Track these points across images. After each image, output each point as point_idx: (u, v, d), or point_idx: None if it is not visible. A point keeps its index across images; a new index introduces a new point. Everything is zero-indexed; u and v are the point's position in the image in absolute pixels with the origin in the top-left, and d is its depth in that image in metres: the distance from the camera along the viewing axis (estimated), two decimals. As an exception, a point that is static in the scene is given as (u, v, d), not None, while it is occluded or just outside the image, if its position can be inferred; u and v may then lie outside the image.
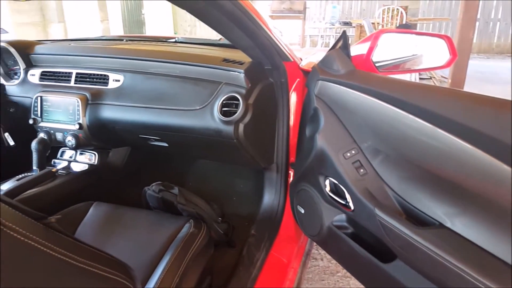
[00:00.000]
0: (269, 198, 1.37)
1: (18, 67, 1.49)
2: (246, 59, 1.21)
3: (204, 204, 1.28)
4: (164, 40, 1.83)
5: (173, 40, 1.80)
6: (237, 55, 1.27)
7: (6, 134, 1.46)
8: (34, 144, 1.35)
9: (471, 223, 0.70)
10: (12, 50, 1.46)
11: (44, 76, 1.44)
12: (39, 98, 1.39)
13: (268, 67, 1.22)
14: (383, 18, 6.34)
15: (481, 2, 5.00)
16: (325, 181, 1.04)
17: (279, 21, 7.20)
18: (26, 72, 1.47)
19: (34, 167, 1.36)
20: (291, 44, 1.26)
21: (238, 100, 1.13)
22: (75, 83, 1.38)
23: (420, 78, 5.62)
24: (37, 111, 1.40)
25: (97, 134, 1.37)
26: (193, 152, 1.58)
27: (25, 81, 1.46)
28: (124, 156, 1.58)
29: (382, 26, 6.28)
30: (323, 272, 1.82)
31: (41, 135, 1.40)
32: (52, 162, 1.51)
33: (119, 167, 1.56)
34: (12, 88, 1.49)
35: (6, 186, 1.23)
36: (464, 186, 0.72)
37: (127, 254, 0.91)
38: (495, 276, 0.64)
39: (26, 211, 0.50)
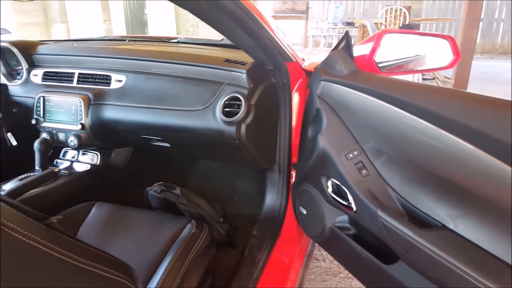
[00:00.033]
0: (271, 198, 1.37)
1: (20, 67, 1.49)
2: (248, 59, 1.21)
3: (206, 205, 1.28)
4: (166, 40, 1.83)
5: (175, 40, 1.80)
6: (239, 55, 1.26)
7: (9, 134, 1.46)
8: (36, 144, 1.36)
9: (474, 224, 0.70)
10: (15, 50, 1.46)
11: (46, 76, 1.45)
12: (41, 98, 1.39)
13: (270, 68, 1.22)
14: (386, 18, 6.33)
15: (484, 2, 4.98)
16: (327, 182, 1.03)
17: (282, 21, 7.20)
18: (28, 72, 1.47)
19: (37, 167, 1.36)
20: (293, 44, 1.26)
21: (240, 100, 1.13)
22: (77, 84, 1.39)
23: (423, 79, 5.60)
24: (39, 111, 1.40)
25: (99, 135, 1.37)
26: (195, 152, 1.58)
27: (27, 81, 1.47)
28: (126, 156, 1.59)
29: (385, 26, 6.27)
30: (325, 273, 1.81)
31: (44, 135, 1.40)
32: (55, 162, 1.51)
33: (121, 167, 1.57)
34: (15, 88, 1.49)
35: (9, 186, 1.23)
36: (466, 187, 0.72)
37: (129, 254, 0.91)
38: (498, 278, 0.64)
39: (27, 211, 0.50)
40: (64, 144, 1.41)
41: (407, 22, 6.09)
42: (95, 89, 1.35)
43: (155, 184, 1.26)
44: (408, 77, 4.22)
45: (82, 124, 1.33)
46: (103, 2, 5.43)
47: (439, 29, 8.93)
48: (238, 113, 1.12)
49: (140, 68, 1.32)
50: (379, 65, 1.13)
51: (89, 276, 0.55)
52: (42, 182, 1.22)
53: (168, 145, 1.37)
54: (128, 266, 0.68)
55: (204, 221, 1.14)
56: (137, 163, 1.64)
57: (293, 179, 1.33)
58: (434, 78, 5.70)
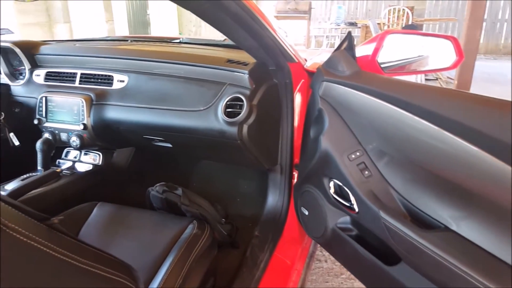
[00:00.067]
0: (273, 199, 1.36)
1: (23, 67, 1.49)
2: (251, 59, 1.21)
3: (207, 205, 1.28)
4: (168, 40, 1.83)
5: (178, 40, 1.80)
6: (242, 55, 1.26)
7: (11, 134, 1.47)
8: (38, 144, 1.36)
9: (477, 226, 0.70)
10: (18, 50, 1.47)
11: (49, 76, 1.45)
12: (44, 98, 1.40)
13: (272, 68, 1.22)
14: (389, 18, 6.32)
15: (488, 2, 4.97)
16: (329, 182, 1.03)
17: (284, 21, 7.20)
18: (31, 72, 1.48)
19: (39, 167, 1.36)
20: (296, 45, 1.25)
21: (242, 101, 1.12)
22: (79, 84, 1.39)
23: (426, 79, 5.59)
24: (42, 111, 1.40)
25: (101, 135, 1.37)
26: (197, 153, 1.58)
27: (30, 81, 1.47)
28: (128, 156, 1.59)
29: (388, 26, 6.26)
30: (327, 273, 1.81)
31: (46, 135, 1.41)
32: (57, 162, 1.51)
33: (123, 167, 1.57)
34: (17, 88, 1.49)
35: (11, 186, 1.23)
36: (469, 188, 0.72)
37: (131, 255, 0.91)
38: (500, 280, 0.63)
39: (28, 212, 0.50)
40: (66, 144, 1.41)
41: (410, 23, 6.09)
42: (97, 89, 1.35)
43: (157, 184, 1.26)
44: (411, 78, 4.22)
45: (84, 124, 1.33)
46: (105, 2, 5.45)
47: (442, 30, 8.91)
48: (240, 113, 1.12)
49: (142, 69, 1.33)
50: (382, 65, 1.13)
51: (90, 276, 0.55)
52: (44, 182, 1.22)
53: (170, 145, 1.37)
54: (129, 267, 0.68)
55: (206, 221, 1.14)
56: (139, 164, 1.64)
57: (295, 180, 1.33)
58: (437, 79, 5.69)
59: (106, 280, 0.57)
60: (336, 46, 1.13)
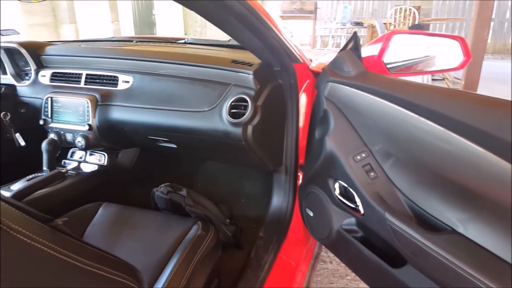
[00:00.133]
0: (278, 200, 1.36)
1: (29, 68, 1.50)
2: (255, 60, 1.20)
3: (212, 206, 1.28)
4: (173, 41, 1.83)
5: (182, 41, 1.80)
6: (246, 56, 1.26)
7: (17, 135, 1.47)
8: (44, 145, 1.37)
9: (484, 228, 0.69)
10: (23, 51, 1.47)
11: (54, 77, 1.46)
12: (49, 99, 1.40)
13: (277, 69, 1.21)
14: (395, 18, 6.29)
15: (495, 2, 4.93)
16: (334, 184, 1.03)
17: (290, 21, 7.19)
18: (37, 73, 1.48)
19: (44, 168, 1.37)
20: (301, 45, 1.25)
21: (246, 101, 1.12)
22: (85, 84, 1.39)
23: (433, 79, 5.55)
24: (47, 112, 1.41)
25: (106, 135, 1.38)
26: (202, 153, 1.58)
27: (36, 82, 1.48)
28: (133, 157, 1.59)
29: (394, 26, 6.23)
30: (332, 275, 1.80)
31: (51, 135, 1.41)
32: (62, 163, 1.52)
33: (128, 168, 1.57)
34: (23, 89, 1.50)
35: (17, 186, 1.24)
36: (476, 190, 0.71)
37: (135, 255, 0.92)
38: (508, 284, 0.62)
39: (32, 213, 0.50)
40: (72, 144, 1.42)
41: (416, 22, 6.05)
42: (102, 90, 1.35)
43: (162, 185, 1.26)
44: (418, 78, 4.19)
45: (89, 125, 1.34)
46: (111, 2, 5.47)
47: (449, 29, 8.85)
48: (244, 114, 1.12)
49: (147, 69, 1.33)
50: (388, 66, 1.12)
51: (94, 278, 0.55)
52: (50, 183, 1.23)
53: (175, 146, 1.37)
54: (133, 268, 0.68)
55: (210, 222, 1.14)
56: (144, 164, 1.64)
57: (300, 181, 1.32)
58: (444, 79, 5.65)
59: (110, 281, 0.57)
60: (342, 46, 1.12)
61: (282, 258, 1.22)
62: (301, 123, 1.28)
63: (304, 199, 1.22)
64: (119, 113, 1.31)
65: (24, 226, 0.45)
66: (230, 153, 1.30)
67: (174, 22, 8.27)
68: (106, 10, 5.41)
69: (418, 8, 6.23)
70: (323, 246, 1.57)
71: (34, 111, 1.48)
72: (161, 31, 7.84)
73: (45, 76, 1.47)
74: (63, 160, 1.53)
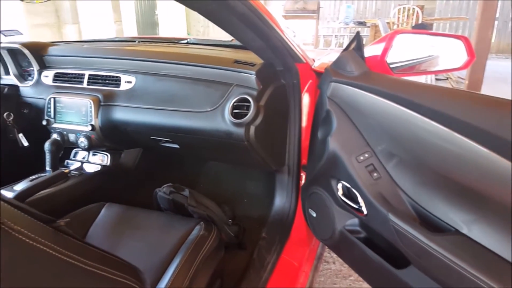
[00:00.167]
0: (281, 200, 1.36)
1: (32, 68, 1.51)
2: (258, 60, 1.20)
3: (214, 206, 1.28)
4: (175, 41, 1.83)
5: (185, 41, 1.80)
6: (249, 56, 1.26)
7: (20, 135, 1.48)
8: (47, 145, 1.37)
9: (488, 229, 0.68)
10: (26, 51, 1.48)
11: (57, 77, 1.46)
12: (52, 99, 1.40)
13: (280, 69, 1.21)
14: (398, 17, 6.27)
15: (500, 1, 4.90)
16: (337, 184, 1.02)
17: (293, 21, 7.17)
18: (39, 73, 1.49)
19: (47, 168, 1.37)
20: (304, 44, 1.25)
21: (249, 102, 1.12)
22: (87, 85, 1.40)
23: (436, 79, 5.53)
24: (50, 112, 1.41)
25: (109, 136, 1.38)
26: (204, 154, 1.58)
27: (38, 82, 1.48)
28: (136, 157, 1.59)
29: (397, 26, 6.21)
30: (335, 275, 1.80)
31: (54, 136, 1.41)
32: (65, 163, 1.53)
33: (131, 168, 1.57)
34: (26, 89, 1.51)
35: (20, 186, 1.25)
36: (480, 191, 0.70)
37: (138, 256, 0.92)
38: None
39: (34, 214, 0.50)
40: (75, 145, 1.42)
41: (420, 22, 6.02)
42: (105, 90, 1.35)
43: (164, 185, 1.26)
44: (421, 77, 4.17)
45: (92, 125, 1.34)
46: (114, 2, 5.48)
47: (453, 29, 8.81)
48: (247, 114, 1.11)
49: (150, 70, 1.33)
50: (391, 66, 1.11)
51: (96, 278, 0.55)
52: (53, 183, 1.23)
53: (177, 146, 1.37)
54: (135, 268, 0.68)
55: (213, 222, 1.13)
56: (146, 164, 1.65)
57: (303, 181, 1.32)
58: (447, 79, 5.63)
59: (112, 282, 0.57)
60: (344, 45, 1.12)
61: (284, 258, 1.21)
62: (303, 123, 1.27)
63: (307, 199, 1.22)
64: (121, 114, 1.31)
65: (25, 227, 0.45)
66: (233, 153, 1.30)
67: (177, 22, 8.29)
68: (109, 10, 5.42)
69: (422, 8, 6.20)
70: (326, 247, 1.57)
71: (37, 112, 1.48)
72: (164, 31, 7.85)
73: (48, 76, 1.47)
74: (66, 161, 1.53)
